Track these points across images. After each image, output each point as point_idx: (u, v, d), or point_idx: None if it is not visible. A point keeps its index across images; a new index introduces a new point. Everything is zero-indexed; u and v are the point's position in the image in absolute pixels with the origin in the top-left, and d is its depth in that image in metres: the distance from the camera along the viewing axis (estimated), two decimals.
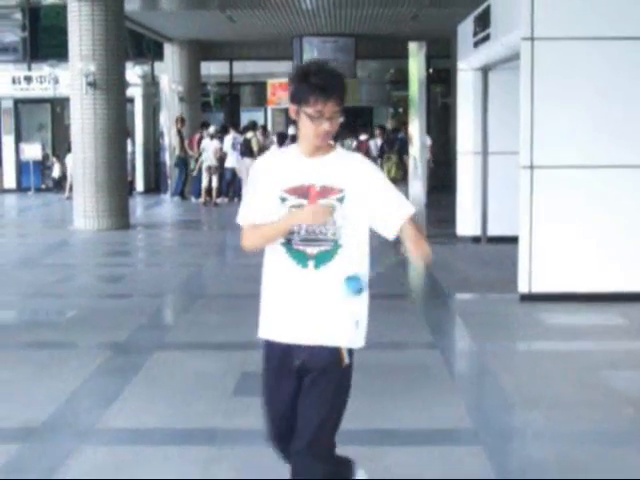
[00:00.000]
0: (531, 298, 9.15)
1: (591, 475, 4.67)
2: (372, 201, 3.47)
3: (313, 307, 3.46)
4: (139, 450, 5.17)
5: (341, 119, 3.40)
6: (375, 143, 17.14)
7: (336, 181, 3.43)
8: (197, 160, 21.81)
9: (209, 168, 20.90)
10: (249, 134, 21.41)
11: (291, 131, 18.35)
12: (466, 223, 13.98)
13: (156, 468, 4.81)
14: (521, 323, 8.62)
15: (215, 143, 21.17)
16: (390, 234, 3.55)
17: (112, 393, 6.23)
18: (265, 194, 3.48)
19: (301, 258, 3.44)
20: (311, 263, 3.44)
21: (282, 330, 3.50)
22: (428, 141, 20.11)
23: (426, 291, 10.82)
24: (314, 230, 3.43)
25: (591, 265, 9.20)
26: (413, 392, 6.20)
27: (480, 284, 10.52)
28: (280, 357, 3.54)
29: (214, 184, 20.98)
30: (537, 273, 9.18)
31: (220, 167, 21.24)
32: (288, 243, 3.45)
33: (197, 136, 22.22)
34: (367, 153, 17.48)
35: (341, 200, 3.42)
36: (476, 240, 13.74)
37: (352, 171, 3.47)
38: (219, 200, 20.97)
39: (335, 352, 3.51)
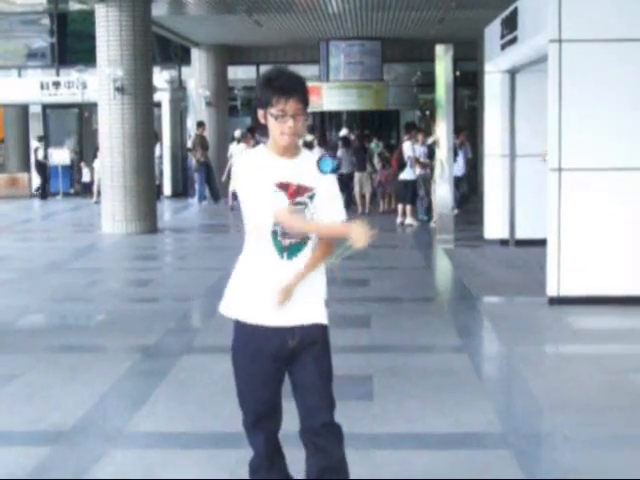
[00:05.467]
0: (559, 301, 9.11)
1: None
2: (324, 199, 3.75)
3: (294, 293, 3.69)
4: (167, 453, 5.19)
5: (306, 118, 3.68)
6: (411, 146, 17.13)
7: (308, 180, 3.70)
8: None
9: None
10: None
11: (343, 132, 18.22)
12: (494, 226, 13.93)
13: (184, 471, 4.83)
14: (549, 326, 8.58)
15: (242, 147, 21.22)
16: None
17: (141, 396, 6.26)
18: (264, 191, 3.65)
19: (279, 249, 3.69)
20: (285, 254, 3.70)
21: (271, 314, 3.68)
22: (468, 154, 19.98)
23: (454, 294, 10.78)
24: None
25: (620, 268, 9.15)
26: (442, 396, 6.18)
27: (508, 287, 10.48)
28: (269, 340, 3.71)
29: None
30: (565, 276, 9.13)
31: None
32: (275, 234, 3.68)
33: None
34: (400, 154, 17.42)
35: (311, 198, 3.71)
36: (504, 243, 13.70)
37: (318, 174, 3.72)
38: None
39: (323, 328, 3.79)
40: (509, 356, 7.50)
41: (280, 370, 3.79)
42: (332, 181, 3.79)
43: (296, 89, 3.63)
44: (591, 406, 5.96)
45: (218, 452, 5.17)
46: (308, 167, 3.71)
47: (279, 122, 3.61)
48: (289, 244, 3.69)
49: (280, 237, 3.69)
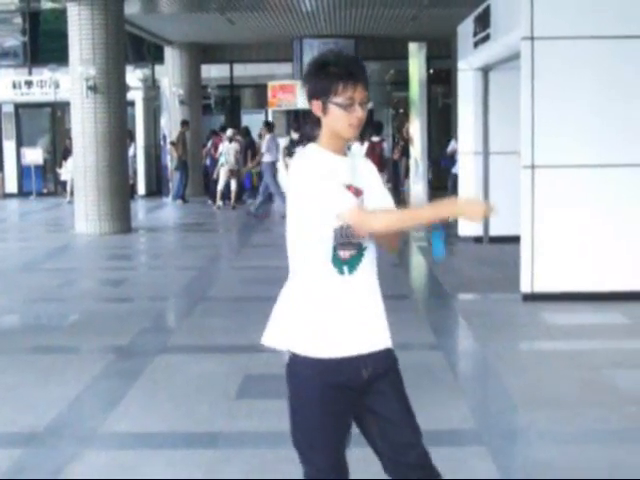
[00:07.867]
0: (533, 298, 9.15)
1: (595, 475, 4.65)
2: (377, 197, 3.29)
3: (362, 314, 3.25)
4: (142, 454, 5.17)
5: (370, 106, 3.24)
6: (388, 144, 17.15)
7: (360, 182, 3.25)
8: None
9: (230, 172, 20.88)
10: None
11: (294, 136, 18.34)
12: (468, 223, 13.93)
13: (159, 472, 4.80)
14: (524, 323, 8.61)
15: (234, 146, 21.13)
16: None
17: (115, 397, 6.23)
18: (336, 195, 3.13)
19: (338, 264, 3.18)
20: (345, 268, 3.19)
21: (343, 344, 3.21)
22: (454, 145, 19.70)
23: (428, 292, 10.81)
24: (349, 233, 3.18)
25: (593, 264, 9.19)
26: (416, 393, 6.14)
27: (482, 284, 10.52)
28: (344, 373, 3.21)
29: (233, 187, 20.94)
30: (539, 273, 9.17)
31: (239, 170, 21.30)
32: (335, 248, 3.18)
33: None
34: (381, 155, 17.27)
35: (362, 202, 3.23)
36: (478, 240, 13.73)
37: (368, 173, 3.31)
38: (250, 204, 21.01)
39: (391, 352, 3.49)
40: (483, 353, 7.53)
41: (353, 406, 3.29)
42: (379, 178, 3.35)
43: (362, 73, 3.20)
44: (565, 402, 5.99)
45: (193, 452, 5.15)
46: (360, 167, 3.28)
47: (348, 112, 3.13)
48: (349, 256, 3.18)
49: (339, 250, 3.16)
